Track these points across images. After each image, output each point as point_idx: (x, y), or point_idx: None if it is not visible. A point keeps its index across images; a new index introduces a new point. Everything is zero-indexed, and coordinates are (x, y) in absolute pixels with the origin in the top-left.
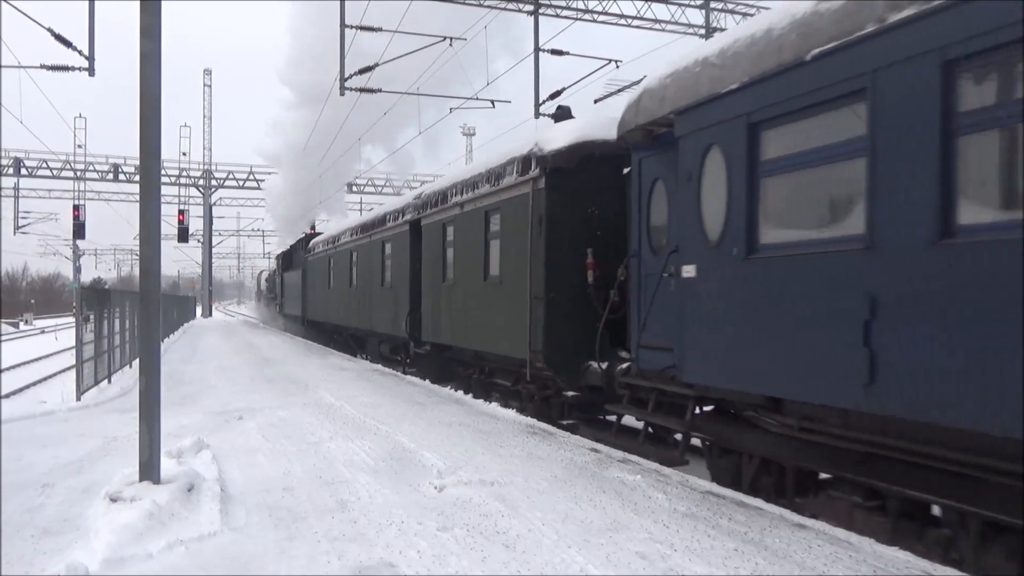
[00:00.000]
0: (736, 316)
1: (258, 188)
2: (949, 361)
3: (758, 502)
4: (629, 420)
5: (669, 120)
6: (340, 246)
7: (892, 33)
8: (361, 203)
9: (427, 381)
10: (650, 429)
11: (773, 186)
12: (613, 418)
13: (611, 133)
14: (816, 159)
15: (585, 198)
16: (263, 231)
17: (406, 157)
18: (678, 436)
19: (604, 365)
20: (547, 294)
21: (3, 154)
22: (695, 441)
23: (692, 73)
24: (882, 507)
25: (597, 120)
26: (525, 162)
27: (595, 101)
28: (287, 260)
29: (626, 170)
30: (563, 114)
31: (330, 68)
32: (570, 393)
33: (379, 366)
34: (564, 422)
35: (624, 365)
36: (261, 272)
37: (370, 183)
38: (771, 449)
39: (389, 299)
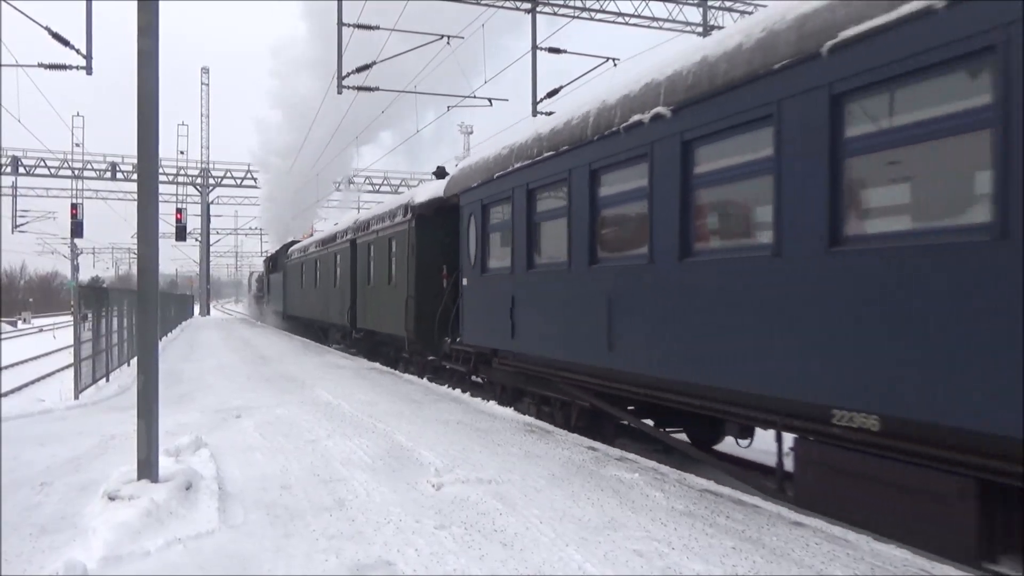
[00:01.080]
0: (479, 306)
1: (256, 187)
2: (537, 321)
3: (756, 500)
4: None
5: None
6: (308, 255)
7: (512, 175)
8: (359, 200)
9: (418, 373)
10: (484, 380)
11: (492, 238)
12: (478, 378)
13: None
14: (501, 227)
15: (440, 233)
16: (261, 229)
17: (404, 154)
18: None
19: (448, 340)
20: (416, 295)
21: (1, 152)
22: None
23: (466, 172)
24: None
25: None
26: (405, 209)
27: (456, 166)
28: (272, 264)
29: None
30: (440, 173)
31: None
32: (431, 358)
33: (377, 364)
34: (427, 376)
35: (458, 339)
36: (252, 273)
37: (368, 181)
38: (501, 378)
39: (339, 297)
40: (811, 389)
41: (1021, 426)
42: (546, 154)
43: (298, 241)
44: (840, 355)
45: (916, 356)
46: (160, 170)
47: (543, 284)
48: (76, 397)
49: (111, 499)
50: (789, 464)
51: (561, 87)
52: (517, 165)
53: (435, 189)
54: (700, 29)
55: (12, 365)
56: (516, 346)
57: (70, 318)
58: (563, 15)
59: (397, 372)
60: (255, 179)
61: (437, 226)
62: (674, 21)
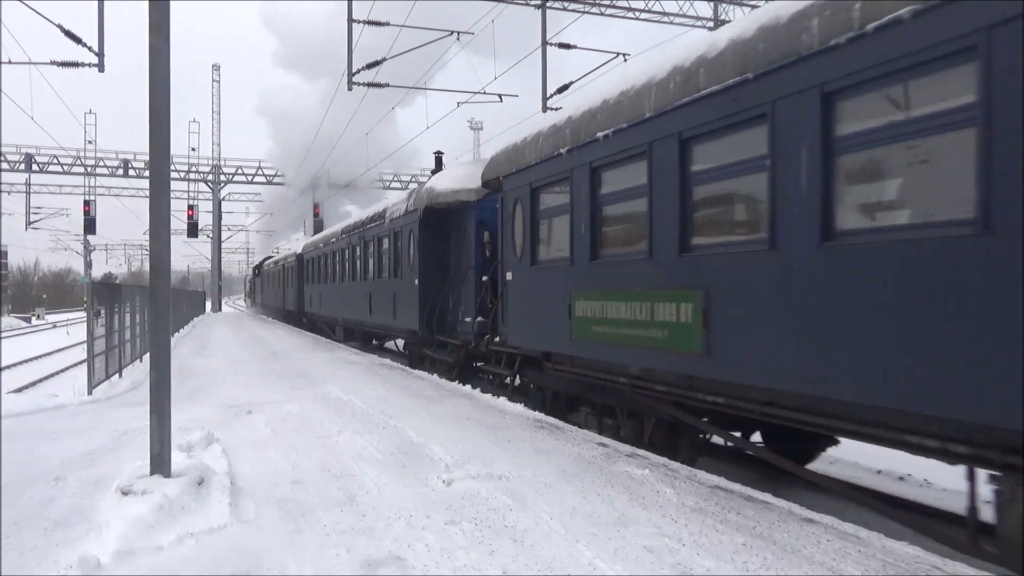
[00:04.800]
0: (311, 296)
1: (267, 183)
2: (322, 300)
3: (767, 496)
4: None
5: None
6: (270, 269)
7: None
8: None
9: (425, 371)
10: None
11: (312, 273)
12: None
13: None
14: (317, 269)
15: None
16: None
17: (412, 152)
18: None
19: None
20: (297, 290)
21: (12, 149)
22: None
23: (306, 244)
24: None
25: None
26: (294, 255)
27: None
28: (257, 271)
29: None
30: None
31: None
32: (304, 320)
33: (387, 360)
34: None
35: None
36: (246, 276)
37: (379, 179)
38: (319, 324)
39: (281, 292)
40: None
41: None
42: (321, 244)
43: (270, 257)
44: None
45: None
46: (172, 167)
47: (329, 289)
48: (89, 393)
49: (124, 494)
50: None
51: (571, 83)
52: (321, 245)
53: (301, 247)
54: (711, 24)
55: (26, 361)
56: (313, 310)
57: (83, 314)
58: (573, 10)
59: (407, 368)
60: (266, 176)
61: (302, 267)
62: (684, 16)
